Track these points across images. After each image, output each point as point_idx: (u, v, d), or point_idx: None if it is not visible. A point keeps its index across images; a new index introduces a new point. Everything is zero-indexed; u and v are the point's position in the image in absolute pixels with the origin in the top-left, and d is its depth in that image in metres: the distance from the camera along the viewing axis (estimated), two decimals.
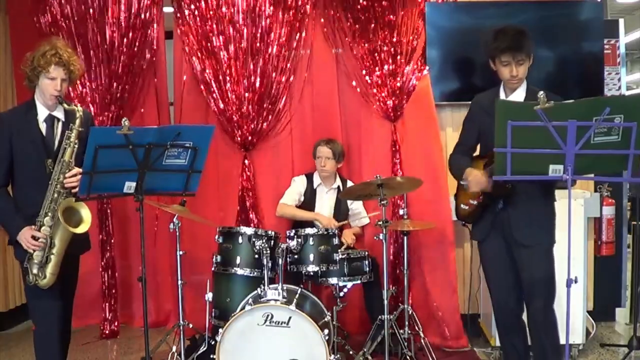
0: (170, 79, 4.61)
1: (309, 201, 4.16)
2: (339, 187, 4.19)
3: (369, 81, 4.29)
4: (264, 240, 3.51)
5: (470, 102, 4.36)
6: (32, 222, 2.85)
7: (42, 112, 2.95)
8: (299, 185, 4.18)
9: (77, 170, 2.82)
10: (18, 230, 2.85)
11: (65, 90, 2.95)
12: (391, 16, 4.23)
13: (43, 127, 2.94)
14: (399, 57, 4.26)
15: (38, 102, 2.96)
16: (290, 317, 3.13)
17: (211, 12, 4.30)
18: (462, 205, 3.18)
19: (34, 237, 2.82)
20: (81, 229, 2.88)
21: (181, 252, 3.68)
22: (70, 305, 3.20)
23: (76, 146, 2.86)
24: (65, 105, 2.91)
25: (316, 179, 4.19)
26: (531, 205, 2.93)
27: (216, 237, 3.68)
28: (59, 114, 2.97)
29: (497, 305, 3.14)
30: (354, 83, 4.38)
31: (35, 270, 2.84)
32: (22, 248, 2.86)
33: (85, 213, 2.90)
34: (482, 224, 3.10)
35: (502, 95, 3.02)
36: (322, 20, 4.36)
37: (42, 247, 2.83)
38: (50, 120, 2.96)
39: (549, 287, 2.94)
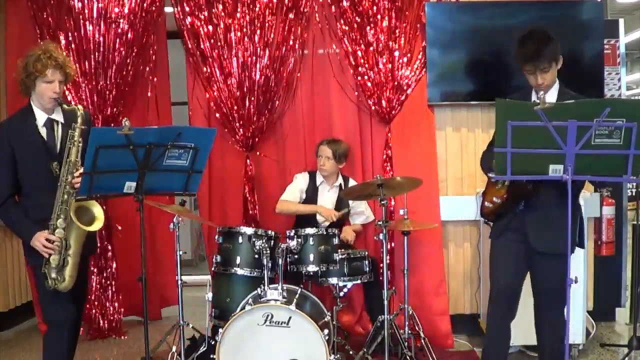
0: (172, 79, 4.62)
1: (310, 198, 4.16)
2: (340, 185, 4.19)
3: (366, 82, 4.29)
4: (264, 240, 3.50)
5: (469, 102, 4.43)
6: (43, 227, 2.84)
7: (40, 117, 2.94)
8: (300, 182, 4.19)
9: None
10: (31, 235, 2.84)
11: (62, 91, 2.94)
12: (390, 15, 4.23)
13: (43, 131, 2.93)
14: (397, 57, 4.26)
15: (35, 107, 2.94)
16: (290, 317, 3.13)
17: (213, 13, 4.31)
18: (486, 203, 3.13)
19: (48, 240, 2.82)
20: (95, 227, 2.88)
21: (181, 252, 3.68)
22: (82, 308, 3.20)
23: (80, 145, 2.85)
24: (65, 106, 2.90)
25: (319, 177, 4.19)
26: (552, 211, 2.84)
27: (216, 237, 3.68)
28: (58, 116, 2.97)
29: (496, 284, 3.08)
30: (351, 83, 4.39)
31: (54, 275, 2.83)
32: (36, 254, 2.85)
33: (98, 210, 2.90)
34: (500, 223, 3.07)
35: (534, 97, 2.95)
36: (321, 21, 4.36)
37: (58, 250, 2.82)
38: (50, 123, 2.95)
39: (562, 296, 2.91)
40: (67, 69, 2.91)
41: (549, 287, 2.91)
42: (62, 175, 2.84)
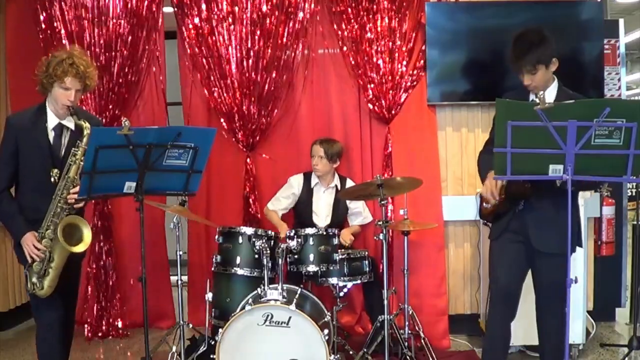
0: (171, 79, 4.62)
1: (305, 200, 4.16)
2: (336, 186, 4.19)
3: (366, 82, 4.29)
4: (264, 240, 3.51)
5: (469, 102, 4.42)
6: (35, 227, 2.84)
7: (52, 120, 2.93)
8: (293, 185, 4.19)
9: None
10: (22, 233, 2.84)
11: (78, 100, 2.92)
12: (390, 15, 4.23)
13: (51, 135, 2.92)
14: (397, 57, 4.27)
15: (49, 109, 2.93)
16: (290, 317, 3.12)
17: (213, 13, 4.31)
18: (484, 204, 3.14)
19: (35, 246, 2.82)
20: (79, 249, 2.85)
21: (181, 252, 3.68)
22: (73, 309, 3.20)
23: (82, 164, 2.81)
24: (76, 119, 2.87)
25: (314, 178, 4.19)
26: (552, 211, 2.84)
27: (216, 237, 3.68)
28: (69, 123, 2.94)
29: (495, 284, 3.08)
30: (351, 83, 4.39)
31: (34, 279, 2.83)
32: (23, 254, 2.85)
33: (87, 232, 2.88)
34: (499, 224, 3.07)
35: (531, 96, 2.95)
36: (322, 21, 4.36)
37: (42, 258, 2.82)
38: (59, 129, 2.94)
39: (564, 295, 2.91)
40: (87, 80, 2.87)
41: (551, 286, 2.91)
42: (58, 189, 2.83)
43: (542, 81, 2.88)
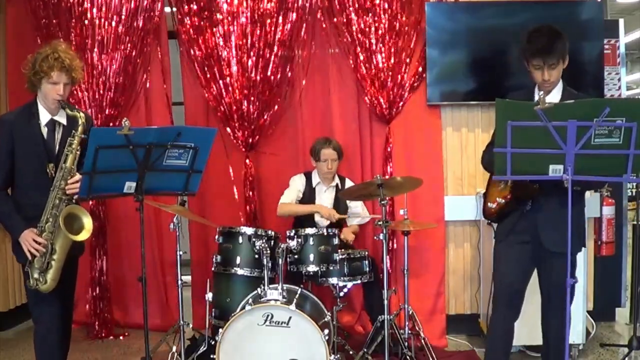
0: (172, 78, 4.62)
1: (308, 200, 4.16)
2: (337, 185, 4.20)
3: (366, 82, 4.30)
4: (264, 240, 3.51)
5: (469, 102, 4.42)
6: (33, 225, 2.84)
7: (44, 116, 2.93)
8: (298, 184, 4.19)
9: (79, 176, 2.80)
10: (20, 231, 2.84)
11: (67, 94, 2.93)
12: (390, 15, 4.23)
13: (44, 131, 2.92)
14: (397, 57, 4.27)
15: (40, 106, 2.94)
16: (290, 317, 3.12)
17: (213, 12, 4.31)
18: (489, 204, 3.12)
19: (35, 241, 2.81)
20: (82, 237, 2.86)
21: (181, 252, 3.68)
22: (70, 307, 3.20)
23: (78, 152, 2.84)
24: (68, 111, 2.88)
25: (315, 178, 4.20)
26: (560, 211, 2.79)
27: (216, 237, 3.68)
28: (61, 118, 2.95)
29: (500, 284, 3.07)
30: (351, 83, 4.40)
31: (36, 275, 2.83)
32: (23, 251, 2.85)
33: (87, 221, 2.88)
34: (505, 224, 3.05)
35: (537, 96, 2.93)
36: (322, 21, 4.36)
37: (43, 252, 2.82)
38: (52, 124, 2.94)
39: (571, 294, 2.90)
40: (74, 73, 2.89)
41: (560, 286, 2.89)
42: (56, 180, 2.84)
43: (558, 77, 2.87)
